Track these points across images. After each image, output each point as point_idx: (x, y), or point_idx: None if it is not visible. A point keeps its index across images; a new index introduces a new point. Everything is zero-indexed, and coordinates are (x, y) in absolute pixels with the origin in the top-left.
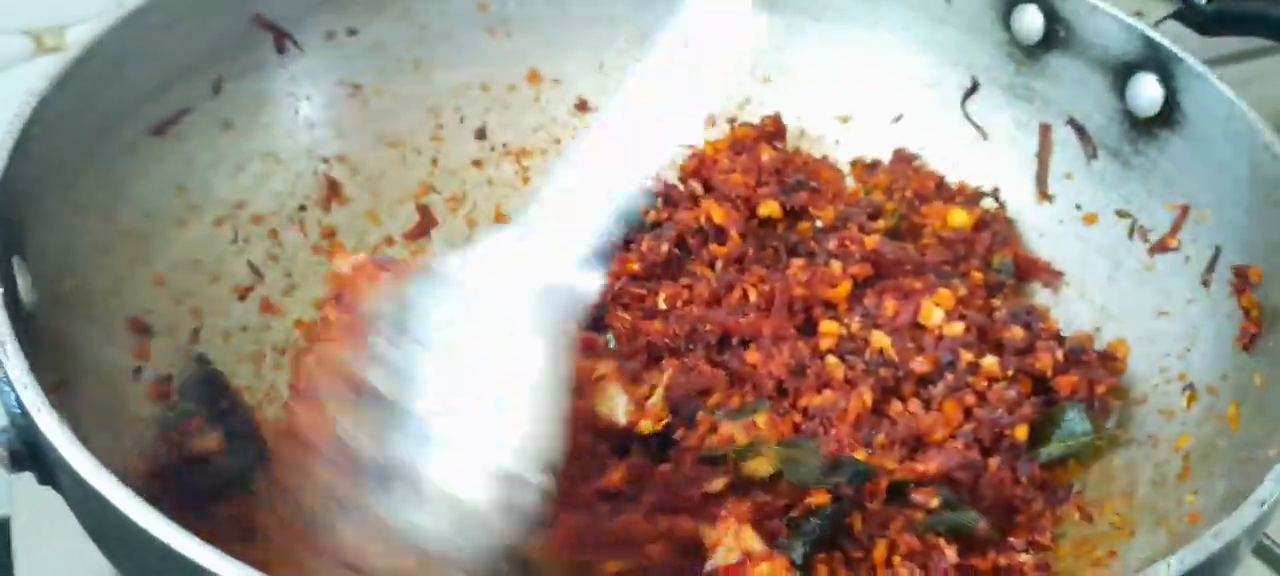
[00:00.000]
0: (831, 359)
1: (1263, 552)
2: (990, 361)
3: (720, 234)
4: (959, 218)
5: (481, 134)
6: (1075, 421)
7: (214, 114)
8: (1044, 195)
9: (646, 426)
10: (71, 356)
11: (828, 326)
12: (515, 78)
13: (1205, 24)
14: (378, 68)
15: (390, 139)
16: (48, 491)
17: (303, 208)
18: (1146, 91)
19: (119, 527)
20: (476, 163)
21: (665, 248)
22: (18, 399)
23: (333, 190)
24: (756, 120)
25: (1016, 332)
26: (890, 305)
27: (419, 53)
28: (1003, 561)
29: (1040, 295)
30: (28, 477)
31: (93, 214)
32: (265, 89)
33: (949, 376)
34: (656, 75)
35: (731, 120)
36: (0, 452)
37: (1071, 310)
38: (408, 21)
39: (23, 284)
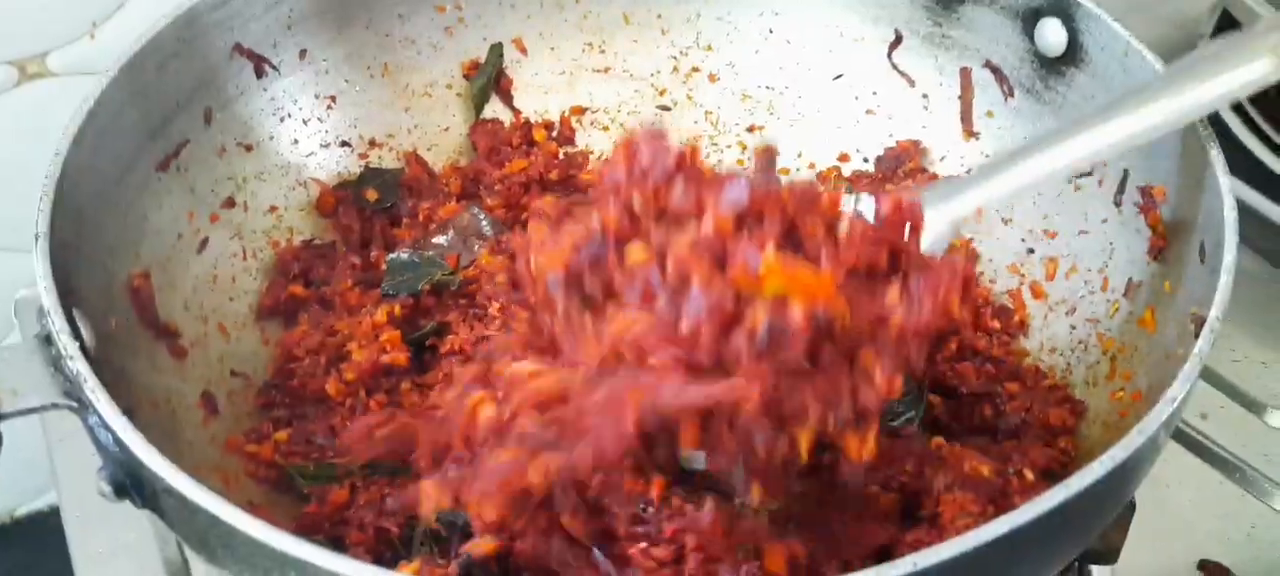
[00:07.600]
0: None
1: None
2: None
3: None
4: None
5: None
6: None
7: (208, 143)
8: (969, 133)
9: None
10: (129, 387)
11: None
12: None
13: None
14: (349, 78)
15: (370, 141)
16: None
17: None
18: (1052, 34)
19: (226, 538)
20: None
21: None
22: (116, 438)
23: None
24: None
25: None
26: None
27: (386, 59)
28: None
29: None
30: (72, 467)
31: (121, 253)
32: (251, 113)
33: None
34: None
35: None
36: (104, 487)
37: (1001, 233)
38: (372, 31)
39: (85, 332)
